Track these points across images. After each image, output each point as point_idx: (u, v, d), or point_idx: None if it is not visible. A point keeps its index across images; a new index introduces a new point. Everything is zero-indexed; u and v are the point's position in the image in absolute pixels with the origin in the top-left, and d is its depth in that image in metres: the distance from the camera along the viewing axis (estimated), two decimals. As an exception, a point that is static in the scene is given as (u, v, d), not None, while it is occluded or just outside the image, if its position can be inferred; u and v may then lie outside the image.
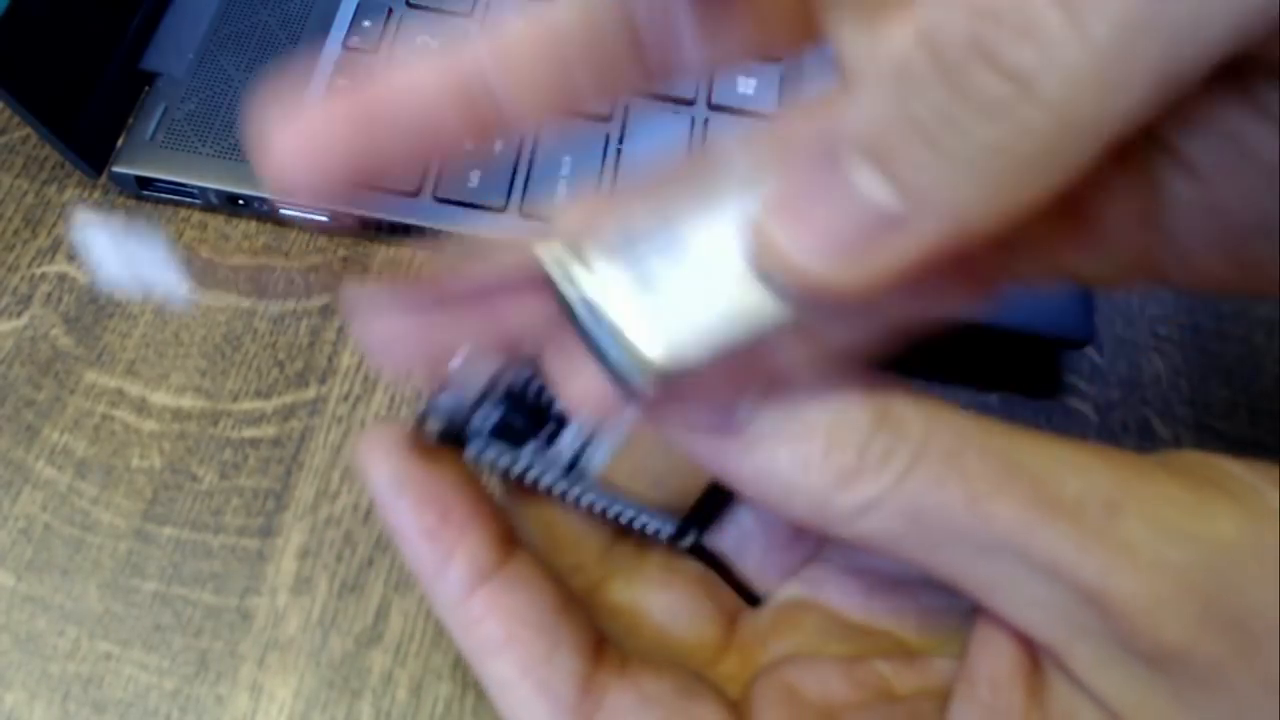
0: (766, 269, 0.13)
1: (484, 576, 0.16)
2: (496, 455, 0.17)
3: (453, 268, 0.15)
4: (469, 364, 0.16)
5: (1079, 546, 0.13)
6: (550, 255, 0.13)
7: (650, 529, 0.19)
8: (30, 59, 0.28)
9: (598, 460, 0.18)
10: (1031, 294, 0.30)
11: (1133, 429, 0.29)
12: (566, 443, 0.18)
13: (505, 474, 0.18)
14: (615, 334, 0.13)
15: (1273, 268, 0.16)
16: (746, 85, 0.33)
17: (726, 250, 0.13)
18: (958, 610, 0.18)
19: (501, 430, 0.17)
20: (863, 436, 0.14)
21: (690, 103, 0.33)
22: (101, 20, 0.31)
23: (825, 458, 0.14)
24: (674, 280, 0.13)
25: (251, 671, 0.24)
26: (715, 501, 0.19)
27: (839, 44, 0.14)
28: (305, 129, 0.14)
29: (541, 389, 0.17)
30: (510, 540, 0.17)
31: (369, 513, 0.26)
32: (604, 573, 0.20)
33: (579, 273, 0.13)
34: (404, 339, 0.16)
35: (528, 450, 0.17)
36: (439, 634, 0.25)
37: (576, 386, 0.14)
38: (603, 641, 0.17)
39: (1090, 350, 0.30)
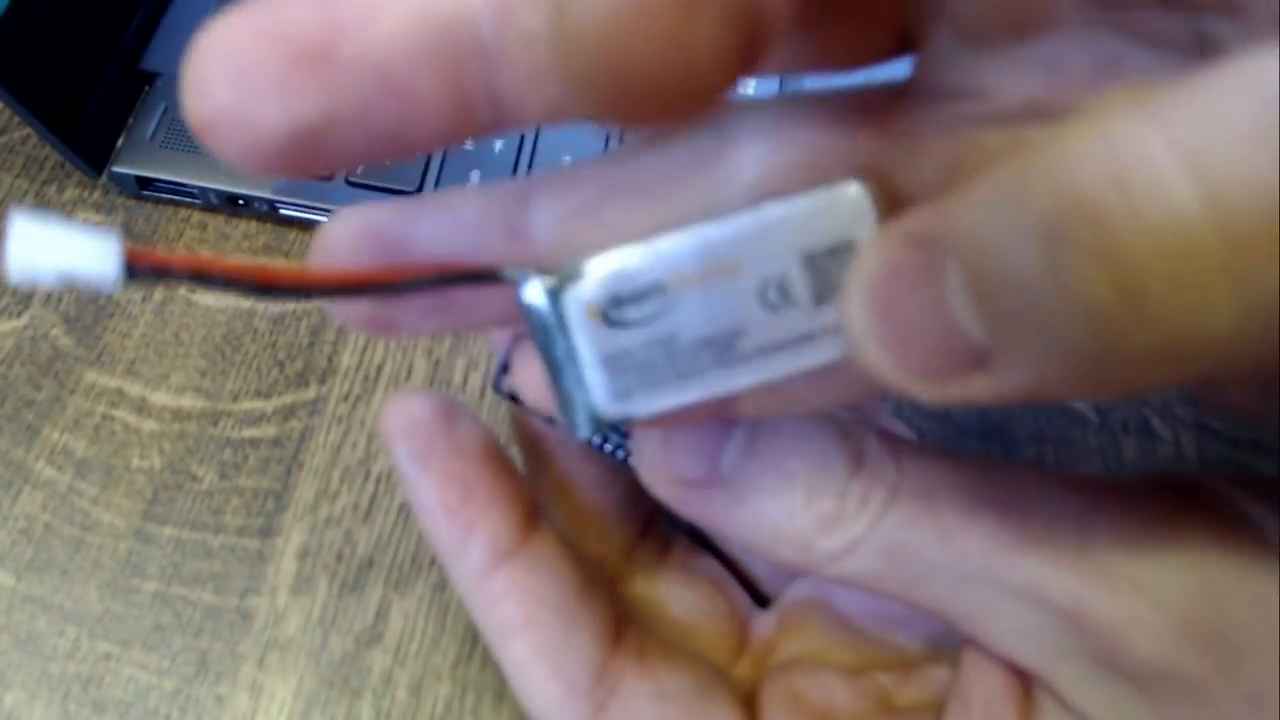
0: (851, 352, 0.12)
1: (505, 556, 0.16)
2: (613, 444, 0.18)
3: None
4: None
5: (1051, 570, 0.13)
6: (529, 282, 0.12)
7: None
8: (30, 59, 0.28)
9: None
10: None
11: (1133, 429, 0.29)
12: None
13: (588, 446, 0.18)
14: (575, 376, 0.13)
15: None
16: (746, 85, 0.33)
17: (732, 309, 0.12)
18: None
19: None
20: (840, 484, 0.14)
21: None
22: (102, 20, 0.31)
23: (807, 506, 0.15)
24: (655, 331, 0.12)
25: (251, 671, 0.24)
26: None
27: (933, 70, 0.12)
28: (229, 53, 0.10)
29: None
30: (533, 519, 0.17)
31: (369, 512, 0.26)
32: (627, 569, 0.20)
33: (548, 308, 0.12)
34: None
35: None
36: (439, 634, 0.25)
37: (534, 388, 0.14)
38: (623, 626, 0.17)
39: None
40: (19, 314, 0.29)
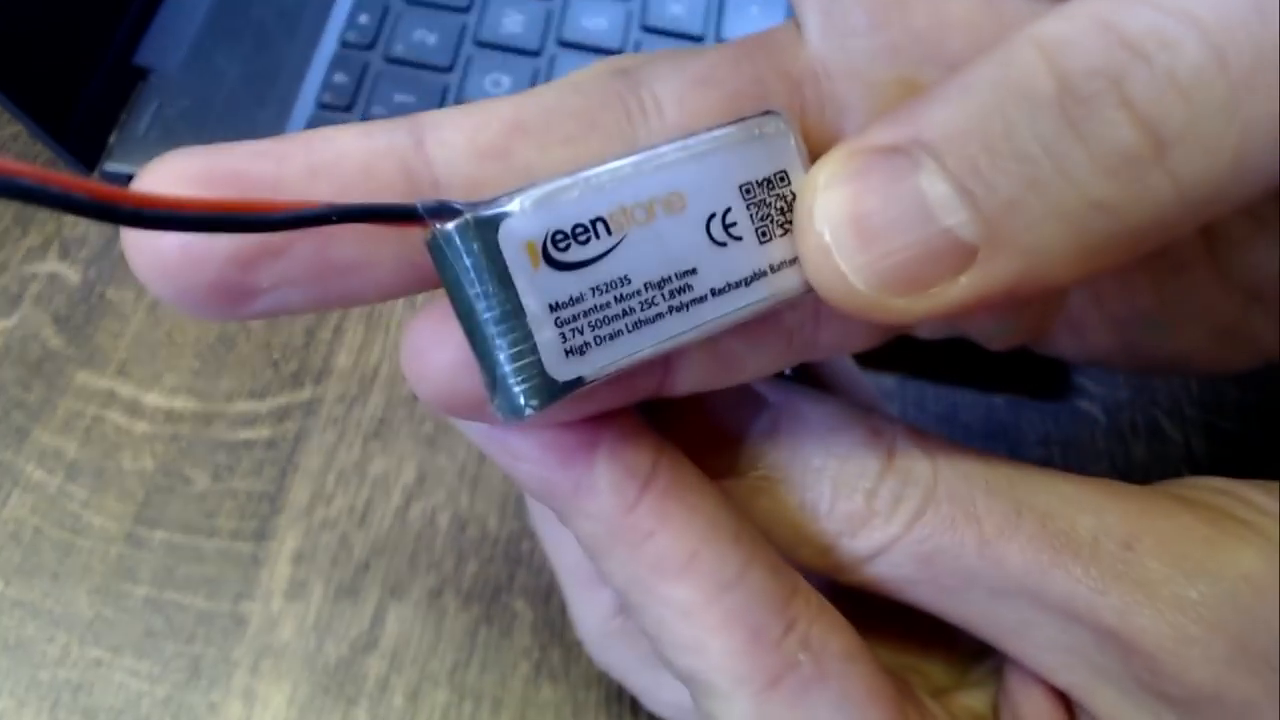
0: (815, 280, 0.11)
1: (644, 477, 0.13)
2: None
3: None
4: None
5: (1095, 587, 0.13)
6: (444, 223, 0.10)
7: None
8: (21, 55, 0.27)
9: None
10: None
11: (1141, 430, 0.28)
12: None
13: None
14: (511, 318, 0.10)
15: (1155, 352, 0.16)
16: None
17: (686, 239, 0.11)
18: (981, 644, 0.18)
19: None
20: (871, 482, 0.14)
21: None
22: (94, 16, 0.30)
23: (833, 505, 0.14)
24: (603, 245, 0.11)
25: (245, 678, 0.24)
26: None
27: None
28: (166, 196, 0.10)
29: None
30: (649, 431, 0.14)
31: (365, 516, 0.26)
32: None
33: (474, 220, 0.10)
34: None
35: None
36: (436, 639, 0.24)
37: (427, 368, 0.12)
38: (785, 561, 0.14)
39: (1098, 350, 0.30)
40: (9, 313, 0.28)
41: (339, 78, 0.31)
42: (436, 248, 0.10)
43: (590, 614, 0.17)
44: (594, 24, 0.33)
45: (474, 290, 0.10)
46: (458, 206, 0.10)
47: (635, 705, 0.23)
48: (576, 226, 0.11)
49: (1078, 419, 0.28)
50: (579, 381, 0.11)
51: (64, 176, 0.08)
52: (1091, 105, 0.10)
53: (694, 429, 0.14)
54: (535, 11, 0.33)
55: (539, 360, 0.11)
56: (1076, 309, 0.16)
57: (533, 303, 0.10)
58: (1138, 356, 0.16)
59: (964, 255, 0.10)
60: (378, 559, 0.25)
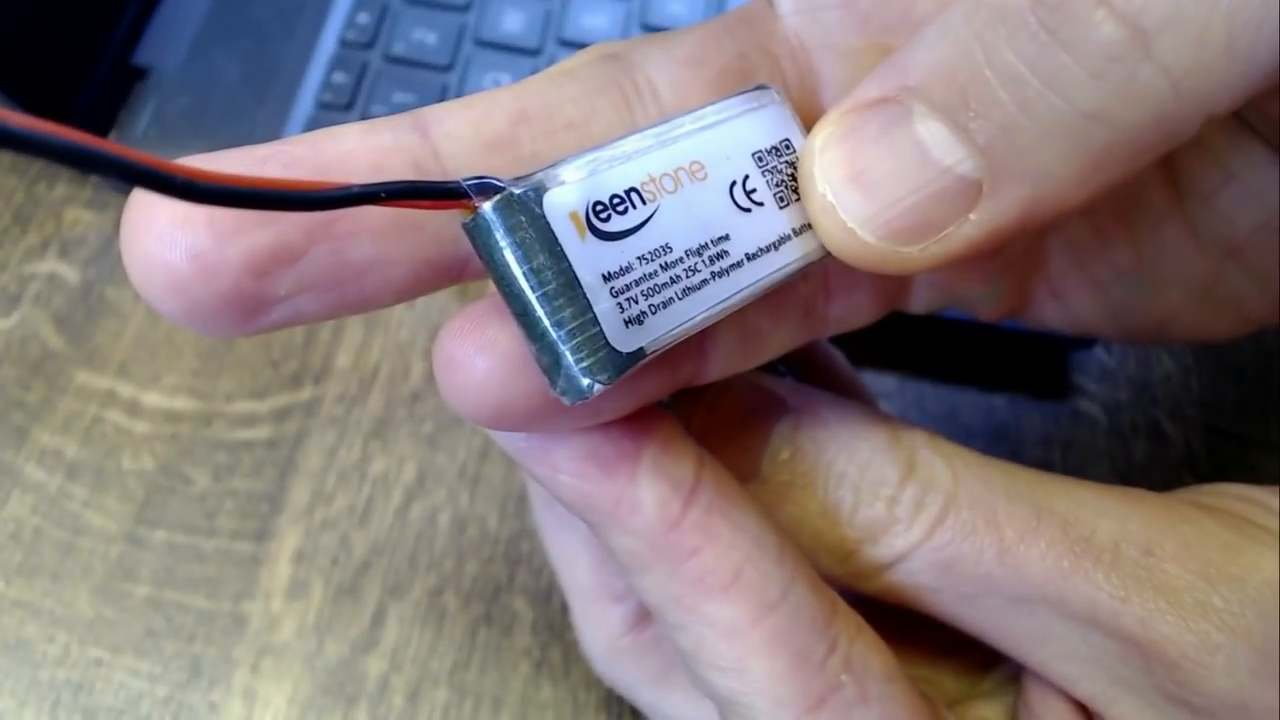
0: (827, 239, 0.11)
1: (687, 491, 0.12)
2: None
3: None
4: None
5: (1117, 594, 0.12)
6: (486, 200, 0.10)
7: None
8: (20, 54, 0.27)
9: None
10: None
11: (1142, 431, 0.28)
12: None
13: None
14: (567, 292, 0.10)
15: (1139, 317, 0.16)
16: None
17: (717, 201, 0.11)
18: (993, 654, 0.18)
19: None
20: (892, 489, 0.13)
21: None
22: (93, 15, 0.30)
23: (854, 509, 0.13)
24: (642, 215, 0.11)
25: (245, 678, 0.24)
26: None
27: None
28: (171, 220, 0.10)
29: None
30: (692, 444, 0.13)
31: (365, 516, 0.26)
32: None
33: (518, 197, 0.10)
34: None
35: None
36: (436, 639, 0.24)
37: (471, 378, 0.11)
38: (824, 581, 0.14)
39: (1099, 350, 0.30)
40: (9, 313, 0.28)
41: (338, 77, 0.31)
42: (481, 227, 0.10)
43: (600, 632, 0.17)
44: (594, 23, 0.33)
45: (525, 267, 0.10)
46: (499, 183, 0.10)
47: (635, 707, 0.23)
48: (614, 197, 0.11)
49: (1078, 419, 0.28)
50: (641, 353, 0.10)
51: (120, 146, 0.08)
52: (1067, 9, 0.09)
53: (715, 434, 0.14)
54: (535, 10, 0.33)
55: (601, 332, 0.10)
56: (1057, 272, 0.16)
57: (586, 273, 0.10)
58: (1123, 322, 0.16)
59: (969, 193, 0.10)
60: (378, 559, 0.25)
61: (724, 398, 0.14)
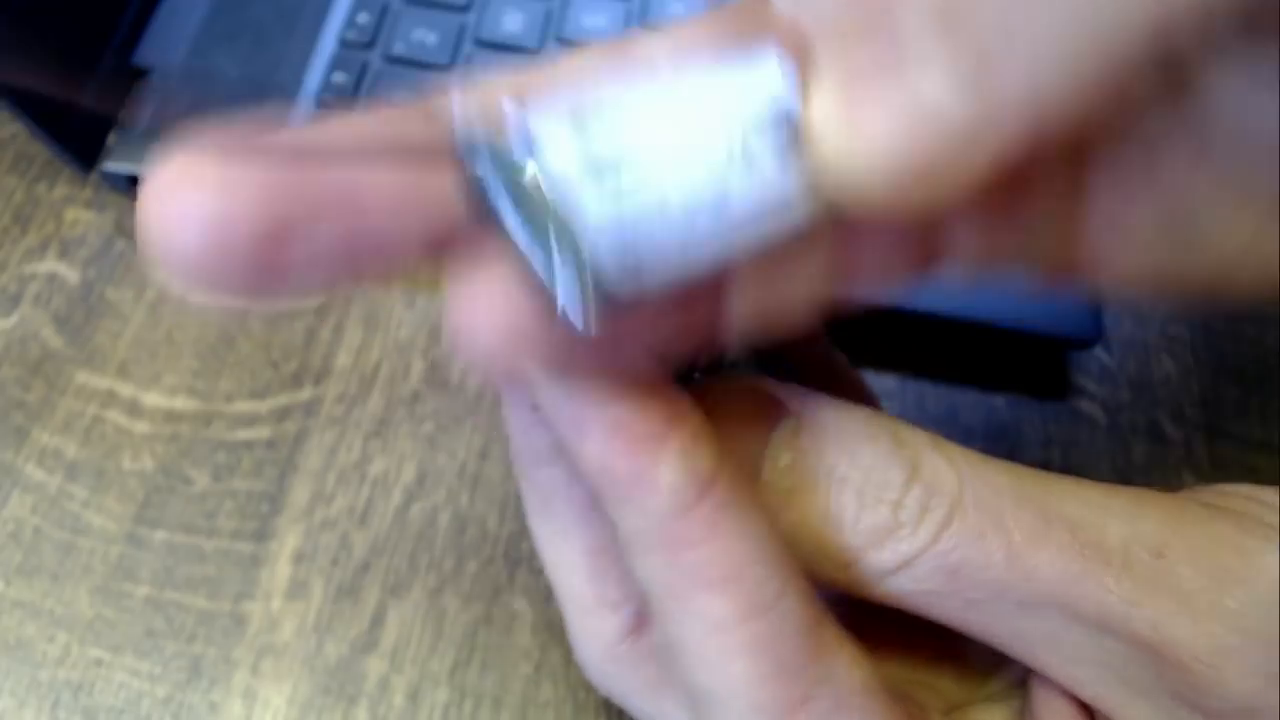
0: (839, 195, 0.11)
1: (706, 483, 0.13)
2: None
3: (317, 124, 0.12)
4: None
5: (1128, 597, 0.12)
6: (472, 131, 0.10)
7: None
8: (20, 54, 0.27)
9: None
10: (1038, 293, 0.30)
11: (1142, 431, 0.28)
12: None
13: None
14: (564, 240, 0.10)
15: (1195, 261, 0.14)
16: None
17: (714, 142, 0.11)
18: (995, 658, 0.18)
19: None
20: (896, 493, 0.13)
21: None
22: (93, 15, 0.30)
23: (858, 515, 0.13)
24: (640, 169, 0.11)
25: (245, 678, 0.24)
26: None
27: None
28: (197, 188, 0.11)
29: None
30: (715, 440, 0.13)
31: (365, 516, 0.26)
32: None
33: (511, 152, 0.10)
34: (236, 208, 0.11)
35: None
36: (436, 639, 0.24)
37: (478, 316, 0.11)
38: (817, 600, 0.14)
39: (1099, 350, 0.30)
40: (9, 313, 0.28)
41: (338, 77, 0.31)
42: (480, 173, 0.11)
43: (595, 640, 0.17)
44: (594, 22, 0.33)
45: (522, 213, 0.10)
46: (484, 143, 0.11)
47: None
48: (611, 148, 0.11)
49: (1078, 419, 0.28)
50: (639, 294, 0.11)
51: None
52: None
53: (714, 437, 0.14)
54: (535, 10, 0.33)
55: (599, 274, 0.11)
56: (1102, 216, 0.14)
57: (587, 217, 0.10)
58: (1179, 272, 0.14)
59: (967, 123, 0.10)
60: (378, 559, 0.25)
61: (724, 400, 0.14)
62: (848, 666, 0.13)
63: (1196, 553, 0.12)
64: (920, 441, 0.14)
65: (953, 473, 0.13)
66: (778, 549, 0.13)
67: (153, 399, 0.27)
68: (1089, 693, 0.13)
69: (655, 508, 0.13)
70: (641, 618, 0.15)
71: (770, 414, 0.14)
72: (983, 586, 0.13)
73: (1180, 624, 0.12)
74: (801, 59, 0.12)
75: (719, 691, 0.13)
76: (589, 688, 0.24)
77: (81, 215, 0.30)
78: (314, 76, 0.31)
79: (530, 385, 0.13)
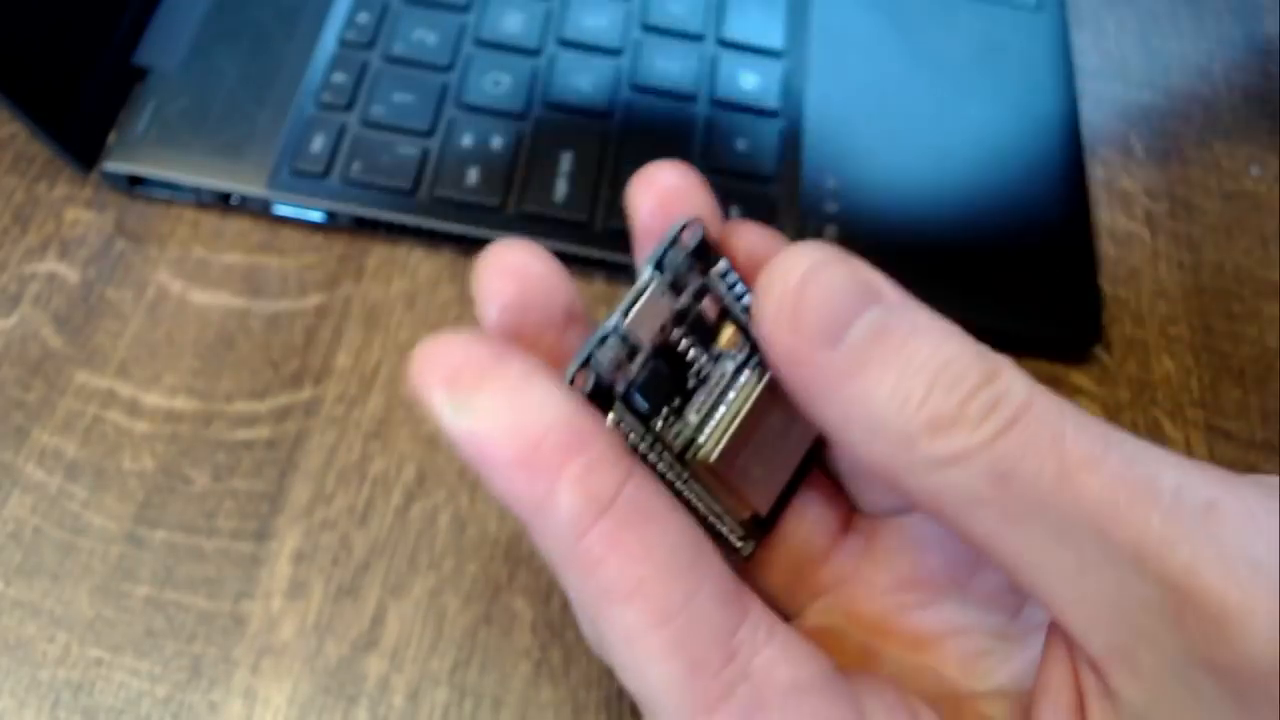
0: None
1: (601, 505, 0.13)
2: (629, 428, 0.16)
3: None
4: (647, 299, 0.15)
5: (1170, 536, 0.12)
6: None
7: (723, 533, 0.18)
8: (20, 54, 0.27)
9: (713, 439, 0.16)
10: (1036, 294, 0.30)
11: (1142, 431, 0.28)
12: (691, 417, 0.16)
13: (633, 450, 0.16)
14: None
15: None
16: (748, 81, 0.33)
17: None
18: (1004, 633, 0.17)
19: (649, 385, 0.15)
20: (968, 387, 0.13)
21: (690, 99, 0.32)
22: (93, 15, 0.30)
23: (925, 398, 0.13)
24: None
25: (245, 677, 0.24)
26: (783, 501, 0.18)
27: None
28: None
29: (691, 342, 0.16)
30: (626, 458, 0.14)
31: (365, 515, 0.26)
32: None
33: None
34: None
35: (657, 424, 0.16)
36: (436, 639, 0.25)
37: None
38: (745, 591, 0.15)
39: (1099, 350, 0.30)
40: (8, 313, 0.28)
41: (338, 77, 0.31)
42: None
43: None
44: (594, 23, 0.33)
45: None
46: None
47: (635, 706, 0.23)
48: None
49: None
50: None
51: None
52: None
53: (810, 291, 0.14)
54: (535, 10, 0.33)
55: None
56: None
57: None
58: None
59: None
60: (378, 559, 0.25)
61: (824, 271, 0.14)
62: (772, 664, 0.14)
63: (1245, 514, 0.12)
64: (1001, 358, 0.14)
65: (1026, 387, 0.13)
66: (691, 556, 0.14)
67: (153, 399, 0.27)
68: (1097, 640, 0.13)
69: (557, 532, 0.13)
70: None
71: (863, 296, 0.14)
72: (1027, 499, 0.13)
73: (1215, 572, 0.12)
74: None
75: (645, 696, 0.14)
76: (589, 688, 0.24)
77: (81, 215, 0.30)
78: (314, 76, 0.31)
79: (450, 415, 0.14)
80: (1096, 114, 0.35)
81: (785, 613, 0.19)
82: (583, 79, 0.32)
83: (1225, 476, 0.13)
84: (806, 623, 0.19)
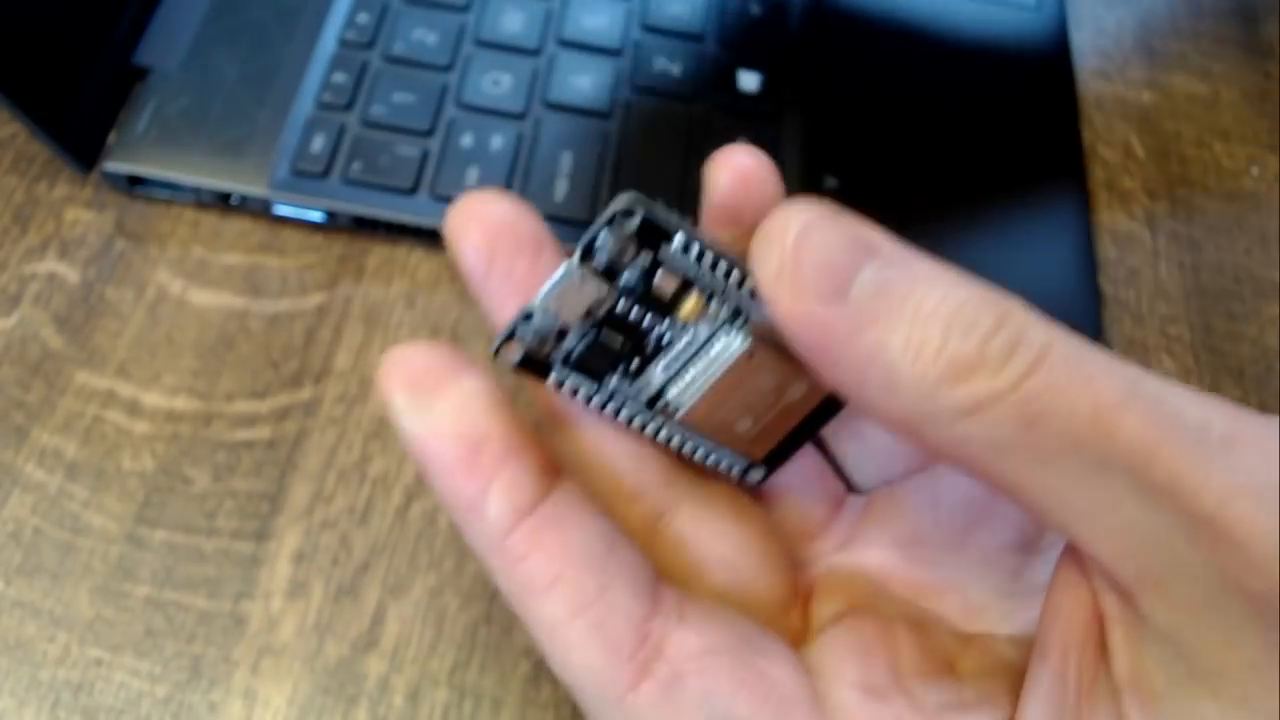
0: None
1: (525, 510, 0.15)
2: (576, 384, 0.17)
3: None
4: (565, 282, 0.15)
5: (1200, 470, 0.12)
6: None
7: (721, 465, 0.18)
8: (20, 55, 0.27)
9: (686, 398, 0.17)
10: (1035, 293, 0.30)
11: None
12: (656, 376, 0.17)
13: (585, 403, 0.17)
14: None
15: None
16: (748, 81, 0.33)
17: None
18: (1006, 591, 0.18)
19: (589, 356, 0.16)
20: (985, 329, 0.13)
21: (690, 99, 0.32)
22: (93, 15, 0.30)
23: (942, 346, 0.13)
24: None
25: (245, 678, 0.24)
26: (791, 446, 0.18)
27: None
28: None
29: (643, 314, 0.16)
30: (552, 470, 0.16)
31: (365, 516, 0.26)
32: (668, 502, 0.18)
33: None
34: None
35: (611, 381, 0.17)
36: (436, 639, 0.24)
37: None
38: (660, 583, 0.16)
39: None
40: (9, 313, 0.28)
41: (338, 77, 0.31)
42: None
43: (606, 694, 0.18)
44: (594, 23, 0.33)
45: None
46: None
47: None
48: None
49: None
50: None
51: None
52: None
53: (808, 248, 0.14)
54: (535, 10, 0.33)
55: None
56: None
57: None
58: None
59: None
60: (378, 559, 0.25)
61: (817, 230, 0.14)
62: (682, 639, 0.15)
63: (1264, 450, 0.12)
64: (1012, 299, 0.14)
65: (1043, 325, 0.13)
66: (604, 553, 0.15)
67: (153, 399, 0.27)
68: (1128, 568, 0.13)
69: (485, 530, 0.15)
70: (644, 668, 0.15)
71: (858, 251, 0.14)
72: (1058, 440, 0.13)
73: (1245, 503, 0.12)
74: None
75: (572, 682, 0.15)
76: (589, 687, 0.24)
77: (81, 215, 0.30)
78: (314, 76, 0.31)
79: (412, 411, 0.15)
80: (1097, 114, 0.35)
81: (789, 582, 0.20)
82: (583, 79, 0.32)
83: (1236, 411, 0.13)
84: (812, 578, 0.19)
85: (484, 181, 0.30)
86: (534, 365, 0.16)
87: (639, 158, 0.31)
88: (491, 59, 0.32)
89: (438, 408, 0.15)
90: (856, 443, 0.19)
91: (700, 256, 0.16)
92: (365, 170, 0.30)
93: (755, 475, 0.18)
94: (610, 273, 0.15)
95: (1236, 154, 0.34)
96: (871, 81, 0.34)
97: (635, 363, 0.17)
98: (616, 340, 0.16)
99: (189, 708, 0.23)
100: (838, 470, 0.20)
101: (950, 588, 0.18)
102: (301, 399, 0.27)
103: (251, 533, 0.26)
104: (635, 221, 0.15)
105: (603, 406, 0.17)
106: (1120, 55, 0.36)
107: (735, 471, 0.18)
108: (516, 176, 0.30)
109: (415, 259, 0.30)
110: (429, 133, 0.31)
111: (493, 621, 0.25)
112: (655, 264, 0.16)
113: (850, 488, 0.20)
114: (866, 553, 0.19)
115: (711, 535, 0.18)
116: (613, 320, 0.16)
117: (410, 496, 0.26)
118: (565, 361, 0.16)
